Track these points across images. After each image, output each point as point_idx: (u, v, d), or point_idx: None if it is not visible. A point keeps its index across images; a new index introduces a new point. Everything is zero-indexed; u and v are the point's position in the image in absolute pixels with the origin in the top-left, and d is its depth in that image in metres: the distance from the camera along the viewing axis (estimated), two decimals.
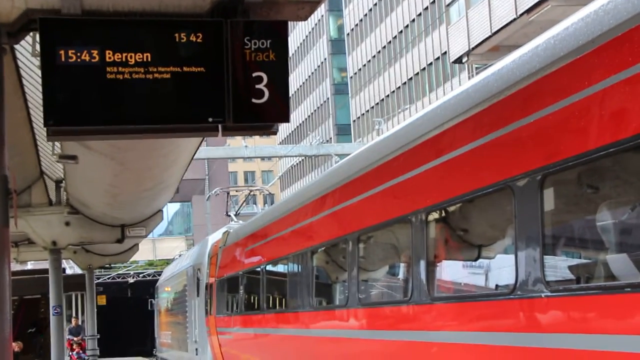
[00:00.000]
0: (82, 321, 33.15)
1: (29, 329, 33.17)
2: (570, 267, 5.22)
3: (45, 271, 25.99)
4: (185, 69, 6.05)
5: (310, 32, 78.64)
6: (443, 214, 6.62)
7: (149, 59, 5.97)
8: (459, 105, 6.23)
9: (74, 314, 34.62)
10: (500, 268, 5.89)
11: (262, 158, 51.40)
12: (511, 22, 32.62)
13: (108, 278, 46.39)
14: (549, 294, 4.94)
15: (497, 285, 6.00)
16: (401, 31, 56.27)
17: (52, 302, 23.60)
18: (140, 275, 47.64)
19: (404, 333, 7.05)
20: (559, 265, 5.24)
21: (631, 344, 4.25)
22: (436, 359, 6.50)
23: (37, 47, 5.95)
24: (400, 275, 7.65)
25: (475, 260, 6.39)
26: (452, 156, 6.21)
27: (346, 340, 8.60)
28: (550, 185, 5.06)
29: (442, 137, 6.43)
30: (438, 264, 6.72)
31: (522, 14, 31.57)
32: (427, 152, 6.66)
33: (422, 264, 6.64)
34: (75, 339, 29.30)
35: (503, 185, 5.42)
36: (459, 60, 38.96)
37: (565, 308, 4.84)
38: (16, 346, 24.11)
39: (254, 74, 6.11)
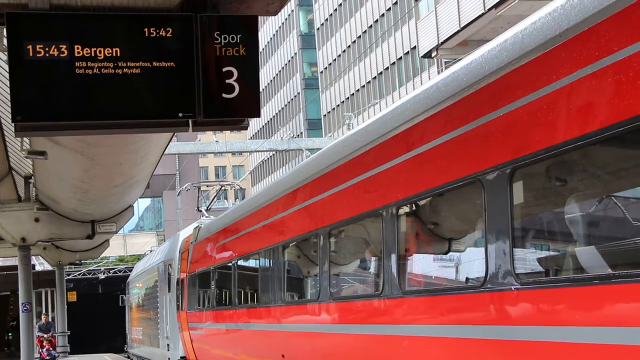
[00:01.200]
0: (52, 318, 32.88)
1: (11, 322, 32.94)
2: (540, 260, 5.27)
3: (15, 268, 25.73)
4: (155, 63, 6.01)
5: (280, 27, 78.50)
6: (413, 208, 6.65)
7: (119, 54, 5.93)
8: (429, 100, 6.27)
9: (43, 311, 34.33)
10: (471, 261, 5.94)
11: (233, 153, 51.32)
12: (479, 16, 32.83)
13: (78, 274, 46.05)
14: (519, 286, 4.99)
15: (467, 279, 6.05)
16: (371, 26, 56.37)
17: (21, 299, 23.37)
18: (111, 271, 47.36)
19: (376, 327, 7.09)
20: (528, 258, 5.29)
21: (599, 336, 4.31)
22: (408, 352, 6.54)
23: (5, 41, 5.88)
24: (372, 270, 7.68)
25: (446, 253, 6.44)
26: (422, 150, 6.25)
27: (318, 335, 8.62)
28: (519, 178, 5.11)
29: (412, 131, 6.46)
30: (409, 258, 6.76)
31: (490, 9, 31.80)
32: (397, 146, 6.69)
33: (393, 258, 6.67)
34: (45, 335, 29.05)
35: (473, 179, 5.46)
36: (428, 55, 39.13)
37: (535, 300, 4.89)
38: None
39: (224, 69, 6.09)
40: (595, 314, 4.36)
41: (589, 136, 4.38)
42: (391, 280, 6.69)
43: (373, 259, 7.58)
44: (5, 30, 5.88)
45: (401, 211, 6.66)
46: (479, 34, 33.55)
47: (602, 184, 4.72)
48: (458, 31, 34.94)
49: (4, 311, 37.43)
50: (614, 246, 4.59)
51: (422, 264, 6.82)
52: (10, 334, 35.54)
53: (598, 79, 4.35)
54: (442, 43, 36.59)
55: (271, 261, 10.48)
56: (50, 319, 31.72)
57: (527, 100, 4.94)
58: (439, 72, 41.12)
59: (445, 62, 39.13)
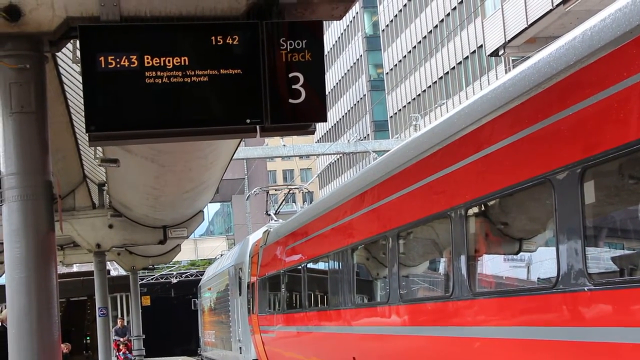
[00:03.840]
0: (128, 322, 33.55)
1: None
2: (613, 260, 5.18)
3: (91, 273, 26.36)
4: (222, 71, 6.09)
5: (345, 29, 78.58)
6: (482, 209, 6.60)
7: (187, 63, 6.03)
8: (497, 100, 6.22)
9: (119, 315, 35.05)
10: (542, 262, 5.87)
11: (300, 156, 51.57)
12: (547, 13, 32.27)
13: (152, 279, 46.86)
14: (592, 287, 4.91)
15: (539, 279, 5.97)
16: (436, 26, 55.97)
17: (98, 304, 23.93)
18: (183, 276, 48.05)
19: (447, 329, 7.05)
20: (601, 258, 5.20)
21: None
22: (479, 354, 6.49)
23: (78, 53, 6.04)
24: (441, 271, 7.65)
25: (516, 254, 6.37)
26: (490, 151, 6.20)
27: (388, 337, 8.61)
28: (590, 177, 5.03)
29: (480, 132, 6.41)
30: (479, 259, 6.71)
31: (558, 5, 31.22)
32: (465, 148, 6.65)
33: (463, 259, 6.63)
34: (121, 339, 29.67)
35: (542, 179, 5.39)
36: (495, 54, 38.65)
37: (609, 301, 4.81)
38: (65, 347, 24.52)
39: (291, 75, 6.13)
40: None
41: None
42: (461, 281, 6.65)
43: (442, 260, 7.54)
44: (78, 42, 6.04)
45: (470, 212, 6.61)
46: (547, 30, 32.98)
47: None
48: (525, 28, 34.41)
49: (82, 316, 38.36)
50: None
51: (492, 265, 6.75)
52: (88, 338, 36.39)
53: None
54: (509, 41, 36.09)
55: (340, 264, 10.51)
56: (125, 323, 32.37)
57: (597, 99, 4.86)
58: (506, 71, 40.61)
59: (513, 60, 38.61)
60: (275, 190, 28.90)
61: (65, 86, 12.22)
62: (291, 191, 25.48)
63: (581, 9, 29.47)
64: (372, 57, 73.44)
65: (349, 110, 78.76)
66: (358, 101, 76.20)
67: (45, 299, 6.63)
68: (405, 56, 62.86)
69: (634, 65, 4.56)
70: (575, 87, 5.13)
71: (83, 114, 6.11)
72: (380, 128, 70.03)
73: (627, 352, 4.62)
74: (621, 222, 5.13)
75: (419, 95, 59.83)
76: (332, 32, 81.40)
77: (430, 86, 57.72)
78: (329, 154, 44.84)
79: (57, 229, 7.00)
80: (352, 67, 77.91)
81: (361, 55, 75.18)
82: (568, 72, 5.21)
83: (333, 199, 11.32)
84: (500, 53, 37.90)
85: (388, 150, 9.59)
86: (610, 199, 5.22)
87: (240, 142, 15.63)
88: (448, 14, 53.76)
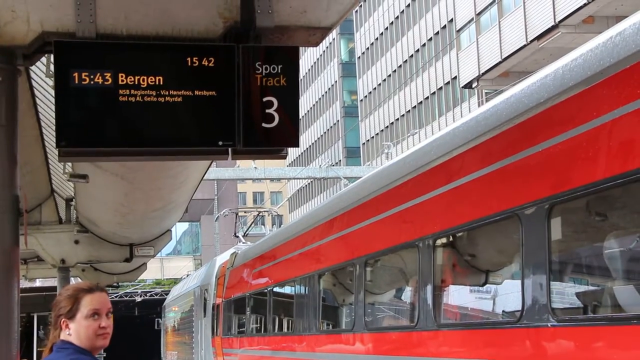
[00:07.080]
0: None
1: None
2: (577, 298, 5.22)
3: (54, 288, 26.01)
4: (196, 92, 6.07)
5: (321, 55, 78.97)
6: (450, 241, 6.63)
7: (161, 83, 5.99)
8: (468, 133, 6.27)
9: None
10: (507, 296, 5.90)
11: (271, 179, 51.53)
12: (521, 48, 32.75)
13: (115, 296, 46.38)
14: (555, 323, 4.94)
15: (503, 313, 6.00)
16: (412, 55, 56.46)
17: None
18: (148, 294, 47.64)
19: (410, 359, 7.04)
20: (566, 294, 5.24)
21: None
22: None
23: (52, 68, 5.99)
24: (407, 301, 7.65)
25: (482, 287, 6.40)
26: (460, 183, 6.24)
27: None
28: (557, 214, 5.08)
29: (450, 164, 6.46)
30: (445, 290, 6.73)
31: (532, 41, 31.71)
32: (435, 179, 6.69)
33: (429, 290, 6.65)
34: None
35: (510, 214, 5.44)
36: (468, 86, 39.10)
37: (572, 338, 4.84)
38: None
39: (265, 99, 6.12)
40: (633, 355, 4.30)
41: (630, 174, 4.35)
42: (426, 312, 6.66)
43: (409, 290, 7.55)
44: (52, 57, 6.00)
45: (438, 243, 6.64)
46: (521, 65, 33.47)
47: None
48: (499, 62, 34.90)
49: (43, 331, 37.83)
50: None
51: (458, 297, 6.77)
52: None
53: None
54: (483, 74, 36.55)
55: (307, 289, 10.48)
56: None
57: (567, 137, 4.92)
58: (479, 103, 41.04)
59: (486, 93, 39.04)
60: (245, 212, 28.82)
61: (37, 99, 12.11)
62: (260, 214, 25.42)
63: (554, 46, 29.97)
64: (347, 84, 73.83)
65: (321, 135, 78.95)
66: (331, 127, 76.44)
67: (5, 313, 6.53)
68: (380, 84, 63.28)
69: (603, 105, 4.63)
70: (545, 124, 5.19)
71: (54, 127, 6.04)
72: (352, 154, 70.26)
73: None
74: (586, 259, 5.18)
75: (392, 123, 60.19)
76: (308, 56, 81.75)
77: (403, 115, 58.11)
78: (300, 178, 44.85)
79: (21, 243, 6.91)
80: (326, 92, 78.22)
81: (336, 81, 75.54)
82: (539, 109, 5.27)
83: (302, 224, 11.31)
84: (473, 85, 38.36)
85: (359, 177, 9.62)
86: (576, 236, 5.28)
87: (211, 163, 15.59)
88: (424, 45, 54.28)
